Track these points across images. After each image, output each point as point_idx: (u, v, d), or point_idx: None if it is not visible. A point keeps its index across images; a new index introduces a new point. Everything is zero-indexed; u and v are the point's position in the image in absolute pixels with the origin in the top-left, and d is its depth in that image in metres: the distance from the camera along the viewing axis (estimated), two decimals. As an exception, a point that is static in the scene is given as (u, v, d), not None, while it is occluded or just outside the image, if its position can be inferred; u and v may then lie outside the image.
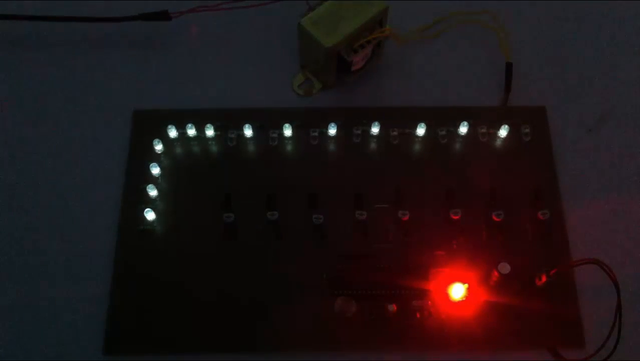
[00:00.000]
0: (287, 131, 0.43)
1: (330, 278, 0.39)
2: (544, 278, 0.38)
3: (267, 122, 0.44)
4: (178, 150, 0.43)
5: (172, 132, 0.43)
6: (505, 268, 0.38)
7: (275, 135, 0.44)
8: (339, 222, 0.41)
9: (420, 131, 0.43)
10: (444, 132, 0.44)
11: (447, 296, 0.39)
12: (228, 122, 0.44)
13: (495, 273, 0.38)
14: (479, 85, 0.46)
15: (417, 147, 0.43)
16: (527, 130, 0.44)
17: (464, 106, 0.44)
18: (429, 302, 0.39)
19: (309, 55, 0.45)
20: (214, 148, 0.43)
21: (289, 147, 0.43)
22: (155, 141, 0.43)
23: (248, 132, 0.43)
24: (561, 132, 0.44)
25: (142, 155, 0.43)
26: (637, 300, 0.39)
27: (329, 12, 0.42)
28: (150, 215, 0.41)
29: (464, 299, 0.38)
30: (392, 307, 0.38)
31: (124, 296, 0.39)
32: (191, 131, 0.43)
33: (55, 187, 0.42)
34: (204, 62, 0.47)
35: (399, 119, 0.44)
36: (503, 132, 0.43)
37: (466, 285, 0.38)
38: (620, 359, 0.36)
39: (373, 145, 0.44)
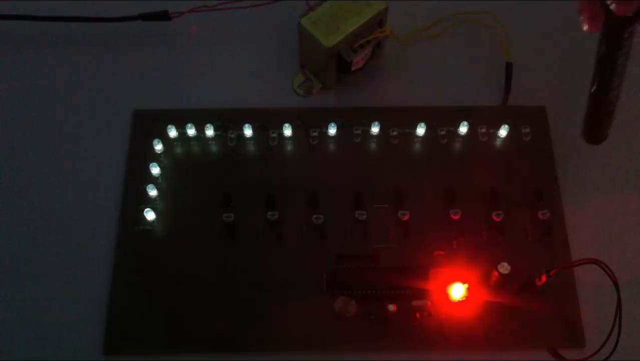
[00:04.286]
0: (287, 131, 0.43)
1: (330, 278, 0.39)
2: (544, 278, 0.38)
3: (267, 122, 0.44)
4: (178, 150, 0.43)
5: (172, 132, 0.43)
6: (505, 268, 0.38)
7: (275, 135, 0.44)
8: (339, 222, 0.41)
9: (420, 131, 0.43)
10: (444, 132, 0.44)
11: (447, 296, 0.39)
12: (228, 122, 0.44)
13: (495, 273, 0.38)
14: (479, 85, 0.46)
15: (417, 147, 0.43)
16: (527, 130, 0.44)
17: (464, 106, 0.44)
18: (429, 302, 0.39)
19: (309, 55, 0.45)
20: (214, 148, 0.43)
21: (289, 147, 0.43)
22: (155, 141, 0.43)
23: (248, 132, 0.43)
24: (561, 132, 0.44)
25: (142, 155, 0.43)
26: (637, 300, 0.39)
27: (329, 12, 0.42)
28: (150, 215, 0.41)
29: (464, 299, 0.38)
30: (392, 307, 0.38)
31: (124, 296, 0.39)
32: (191, 131, 0.43)
33: (55, 187, 0.42)
34: (204, 62, 0.47)
35: (399, 119, 0.44)
36: (503, 132, 0.43)
37: (466, 285, 0.38)
38: (620, 359, 0.36)
39: (373, 145, 0.44)
